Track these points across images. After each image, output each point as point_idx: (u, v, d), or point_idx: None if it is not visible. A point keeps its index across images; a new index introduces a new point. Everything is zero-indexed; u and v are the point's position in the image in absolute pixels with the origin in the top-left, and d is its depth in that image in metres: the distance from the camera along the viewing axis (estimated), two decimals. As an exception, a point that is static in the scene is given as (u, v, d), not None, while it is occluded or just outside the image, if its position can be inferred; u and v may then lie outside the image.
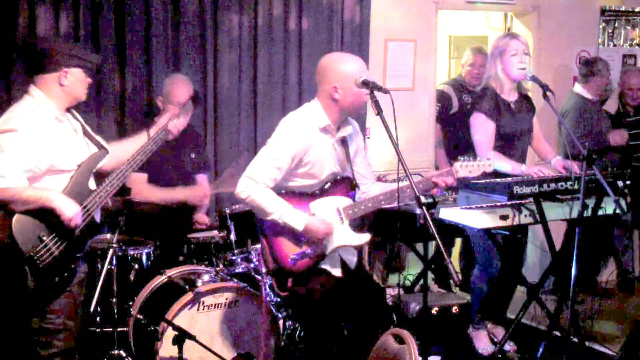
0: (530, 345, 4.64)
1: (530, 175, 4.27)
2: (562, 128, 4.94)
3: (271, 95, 5.03)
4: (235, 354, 3.93)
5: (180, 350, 3.57)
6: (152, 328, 3.79)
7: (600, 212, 4.29)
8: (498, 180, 4.19)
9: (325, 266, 3.58)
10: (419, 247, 5.15)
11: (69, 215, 3.14)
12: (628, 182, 4.27)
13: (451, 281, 4.99)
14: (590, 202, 4.22)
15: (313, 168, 3.55)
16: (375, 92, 3.31)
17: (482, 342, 4.69)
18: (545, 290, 4.67)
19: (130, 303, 4.04)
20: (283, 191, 3.54)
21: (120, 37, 4.54)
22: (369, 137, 5.33)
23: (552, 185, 4.18)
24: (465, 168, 3.58)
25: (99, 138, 3.50)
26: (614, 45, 6.59)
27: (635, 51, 6.70)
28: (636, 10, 6.68)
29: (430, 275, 5.45)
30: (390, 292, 5.09)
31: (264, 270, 3.92)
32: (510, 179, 4.21)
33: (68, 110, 3.36)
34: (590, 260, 5.50)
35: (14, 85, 4.25)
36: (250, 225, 3.83)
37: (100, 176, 3.42)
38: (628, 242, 6.13)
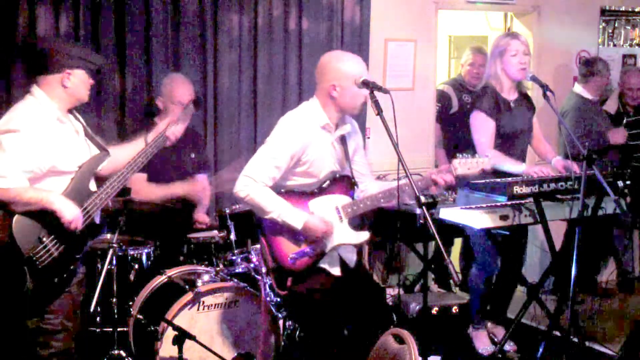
0: (530, 345, 4.64)
1: (530, 175, 4.27)
2: (562, 128, 4.94)
3: (271, 95, 5.03)
4: (235, 354, 3.93)
5: (180, 350, 3.57)
6: (152, 328, 3.79)
7: (600, 212, 4.29)
8: (498, 180, 4.19)
9: (324, 265, 3.58)
10: (419, 247, 5.15)
11: (68, 218, 3.15)
12: (628, 182, 4.28)
13: (451, 281, 4.99)
14: (590, 202, 4.22)
15: (312, 167, 3.55)
16: (375, 92, 3.32)
17: (482, 342, 4.69)
18: (545, 290, 4.68)
19: (130, 303, 4.04)
20: (282, 190, 3.54)
21: (120, 37, 4.54)
22: (369, 137, 5.33)
23: (552, 185, 4.18)
24: (463, 165, 3.58)
25: (99, 139, 3.50)
26: (614, 45, 6.59)
27: (635, 51, 6.70)
28: (636, 10, 6.68)
29: (430, 275, 5.46)
30: (390, 292, 5.10)
31: (264, 270, 3.92)
32: (510, 179, 4.21)
33: (70, 111, 3.36)
34: (590, 260, 5.50)
35: (14, 85, 4.24)
36: (250, 225, 3.83)
37: (98, 181, 3.42)
38: (628, 242, 6.13)
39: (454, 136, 5.63)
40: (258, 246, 3.87)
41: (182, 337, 3.57)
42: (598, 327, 5.03)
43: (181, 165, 4.50)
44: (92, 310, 3.48)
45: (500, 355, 4.55)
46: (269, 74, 5.02)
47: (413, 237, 5.03)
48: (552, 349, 4.37)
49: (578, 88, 5.75)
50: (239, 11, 4.87)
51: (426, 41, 5.62)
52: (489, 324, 4.82)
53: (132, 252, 4.11)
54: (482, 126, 4.39)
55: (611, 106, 6.00)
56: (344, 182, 3.65)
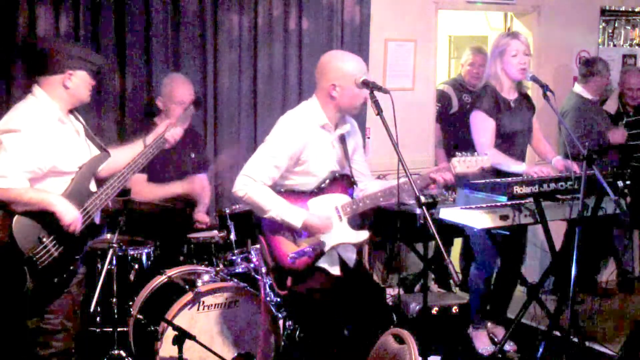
0: (530, 345, 4.64)
1: (530, 175, 4.27)
2: (562, 128, 4.94)
3: (271, 95, 5.03)
4: (235, 354, 3.93)
5: (180, 350, 3.57)
6: (152, 328, 3.79)
7: (600, 212, 4.29)
8: (498, 180, 4.19)
9: (323, 265, 3.58)
10: (419, 247, 5.15)
11: (68, 220, 3.15)
12: (628, 182, 4.27)
13: (451, 281, 4.99)
14: (590, 202, 4.22)
15: (311, 166, 3.55)
16: (375, 92, 3.32)
17: (482, 342, 4.69)
18: (545, 290, 4.68)
19: (130, 303, 4.04)
20: (282, 189, 3.54)
21: (120, 37, 4.54)
22: (369, 137, 5.33)
23: (552, 185, 4.18)
24: (462, 164, 3.58)
25: (99, 140, 3.50)
26: (614, 45, 6.59)
27: (635, 51, 6.70)
28: (636, 10, 6.68)
29: (430, 275, 5.45)
30: (390, 292, 5.09)
31: (263, 270, 3.92)
32: (510, 178, 4.21)
33: (70, 111, 3.36)
34: (590, 260, 5.50)
35: (14, 85, 4.24)
36: (250, 225, 3.83)
37: (97, 182, 3.42)
38: (628, 242, 6.13)
39: (454, 136, 5.63)
40: (258, 246, 3.87)
41: (182, 337, 3.57)
42: (598, 327, 5.03)
43: (181, 165, 4.50)
44: (92, 310, 3.48)
45: (500, 355, 4.55)
46: (269, 74, 5.02)
47: (413, 237, 5.03)
48: (552, 349, 4.37)
49: (578, 88, 5.75)
50: (239, 11, 4.87)
51: (426, 41, 5.62)
52: (489, 324, 4.82)
53: (132, 252, 4.11)
54: (482, 126, 4.39)
55: (611, 106, 6.00)
56: (343, 182, 3.65)
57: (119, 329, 3.83)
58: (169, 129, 3.57)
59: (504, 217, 4.11)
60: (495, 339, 4.74)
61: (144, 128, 4.31)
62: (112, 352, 3.79)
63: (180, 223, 4.43)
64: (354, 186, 3.70)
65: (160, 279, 4.03)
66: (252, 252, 4.16)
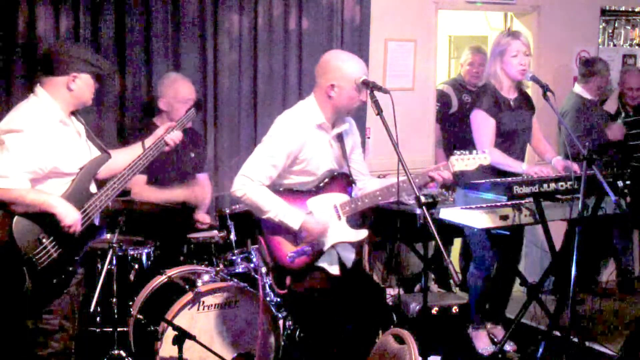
0: (530, 345, 4.64)
1: (530, 175, 4.27)
2: (562, 128, 4.94)
3: (271, 95, 5.03)
4: (235, 354, 3.93)
5: (180, 350, 3.57)
6: (152, 328, 3.79)
7: (600, 212, 4.29)
8: (498, 180, 4.19)
9: (322, 264, 3.58)
10: (419, 247, 5.15)
11: (68, 222, 3.14)
12: (628, 182, 4.28)
13: (451, 281, 4.99)
14: (590, 202, 4.22)
15: (309, 165, 3.55)
16: (375, 92, 3.32)
17: (482, 342, 4.69)
18: (545, 290, 4.67)
19: (130, 303, 4.04)
20: (280, 189, 3.54)
21: (120, 37, 4.54)
22: (369, 137, 5.33)
23: (552, 185, 4.18)
24: (461, 162, 3.59)
25: (100, 142, 3.49)
26: (614, 45, 6.59)
27: (635, 51, 6.70)
28: (636, 10, 6.67)
29: (430, 275, 5.45)
30: (390, 292, 5.09)
31: (263, 270, 3.92)
32: (510, 178, 4.22)
33: (72, 113, 3.36)
34: (590, 260, 5.50)
35: (14, 85, 4.24)
36: (250, 225, 3.83)
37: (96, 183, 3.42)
38: (628, 242, 6.13)
39: (454, 136, 5.64)
40: (257, 246, 3.87)
41: (182, 337, 3.57)
42: (598, 327, 5.03)
43: (181, 165, 4.50)
44: (92, 310, 3.48)
45: (500, 355, 4.55)
46: (269, 74, 5.01)
47: (413, 237, 5.02)
48: (552, 349, 4.37)
49: (578, 88, 5.76)
50: (239, 11, 4.87)
51: (426, 41, 5.61)
52: (489, 324, 4.82)
53: (132, 252, 4.11)
54: (483, 125, 4.39)
55: (611, 106, 6.00)
56: (342, 181, 3.65)
57: (119, 329, 3.83)
58: (169, 132, 3.56)
59: (504, 217, 4.11)
60: (495, 339, 4.74)
61: (143, 128, 4.32)
62: (112, 352, 3.79)
63: (180, 223, 4.42)
64: (353, 185, 3.70)
65: (160, 279, 4.03)
66: (252, 252, 4.16)
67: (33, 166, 3.11)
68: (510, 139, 4.44)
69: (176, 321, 3.70)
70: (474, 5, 5.86)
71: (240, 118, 4.95)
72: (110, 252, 3.68)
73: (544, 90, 4.14)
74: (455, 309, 4.79)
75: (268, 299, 4.01)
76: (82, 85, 3.28)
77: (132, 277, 4.10)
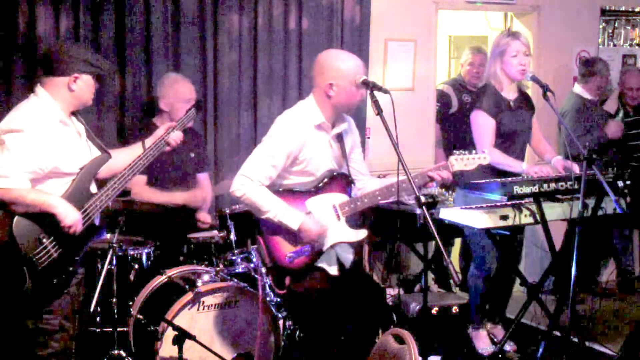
0: (530, 345, 4.64)
1: (530, 175, 4.27)
2: (562, 128, 4.94)
3: (271, 96, 5.03)
4: (235, 354, 3.93)
5: (180, 350, 3.57)
6: (152, 328, 3.79)
7: (600, 212, 4.29)
8: (498, 180, 4.19)
9: (322, 264, 3.58)
10: (419, 247, 5.15)
11: (69, 222, 3.14)
12: (628, 182, 4.27)
13: (451, 281, 4.99)
14: (590, 202, 4.22)
15: (309, 165, 3.55)
16: (375, 92, 3.32)
17: (482, 342, 4.69)
18: (545, 290, 4.68)
19: (130, 303, 4.04)
20: (280, 189, 3.54)
21: (120, 37, 4.54)
22: (369, 137, 5.33)
23: (552, 185, 4.18)
24: (460, 162, 3.59)
25: (100, 142, 3.49)
26: (614, 45, 6.59)
27: (635, 51, 6.70)
28: (636, 10, 6.68)
29: (430, 275, 5.45)
30: (390, 292, 5.09)
31: (263, 270, 3.92)
32: (510, 178, 4.22)
33: (72, 113, 3.36)
34: (590, 260, 5.50)
35: (14, 85, 4.24)
36: (250, 225, 3.83)
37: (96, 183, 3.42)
38: (628, 242, 6.13)
39: (454, 136, 5.64)
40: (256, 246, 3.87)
41: (182, 337, 3.57)
42: (598, 327, 5.03)
43: (181, 165, 4.50)
44: (92, 310, 3.48)
45: (500, 355, 4.55)
46: (269, 74, 5.01)
47: (413, 237, 5.03)
48: (552, 349, 4.37)
49: (578, 88, 5.76)
50: (239, 11, 4.87)
51: (426, 41, 5.62)
52: (489, 324, 4.82)
53: (132, 252, 4.11)
54: (483, 125, 4.39)
55: (611, 106, 6.00)
56: (341, 180, 3.65)
57: (119, 329, 3.83)
58: (170, 132, 3.56)
59: (504, 217, 4.11)
60: (495, 339, 4.74)
61: (143, 128, 4.32)
62: (112, 352, 3.79)
63: (181, 223, 4.43)
64: (352, 185, 3.70)
65: (160, 279, 4.03)
66: (252, 252, 4.16)
67: (33, 166, 3.11)
68: (510, 139, 4.45)
69: (176, 321, 3.70)
70: (474, 5, 5.86)
71: (240, 118, 4.95)
72: (110, 252, 3.68)
73: (544, 90, 4.14)
74: (455, 309, 4.79)
75: (268, 299, 4.01)
76: (83, 86, 3.28)
77: (132, 277, 4.10)
